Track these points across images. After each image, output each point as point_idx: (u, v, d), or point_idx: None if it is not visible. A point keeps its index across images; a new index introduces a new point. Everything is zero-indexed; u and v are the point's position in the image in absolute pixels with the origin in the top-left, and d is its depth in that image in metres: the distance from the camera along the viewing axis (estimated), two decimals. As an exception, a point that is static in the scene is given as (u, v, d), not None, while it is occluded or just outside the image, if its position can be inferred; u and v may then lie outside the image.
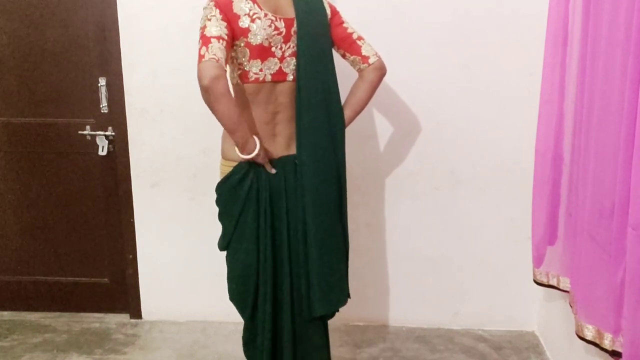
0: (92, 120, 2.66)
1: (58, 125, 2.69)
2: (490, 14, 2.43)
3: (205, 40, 1.63)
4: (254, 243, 1.85)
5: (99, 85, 2.62)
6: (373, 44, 2.48)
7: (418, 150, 2.59)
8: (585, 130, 1.79)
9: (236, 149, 1.74)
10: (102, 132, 2.66)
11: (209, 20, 1.66)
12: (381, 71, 1.93)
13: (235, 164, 1.82)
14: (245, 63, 1.76)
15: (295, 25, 1.80)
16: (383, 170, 2.62)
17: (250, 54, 1.74)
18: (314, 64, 1.83)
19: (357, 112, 2.00)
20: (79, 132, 2.66)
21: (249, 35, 1.71)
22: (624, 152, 1.52)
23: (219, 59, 1.59)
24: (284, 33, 1.78)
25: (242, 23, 1.70)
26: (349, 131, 2.63)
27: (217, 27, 1.65)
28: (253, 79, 1.78)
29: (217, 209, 1.90)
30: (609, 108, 1.61)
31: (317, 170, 1.86)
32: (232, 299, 1.94)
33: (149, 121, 2.62)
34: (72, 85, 2.65)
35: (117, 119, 2.63)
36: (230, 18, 1.68)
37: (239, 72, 1.79)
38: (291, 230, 1.88)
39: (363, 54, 1.92)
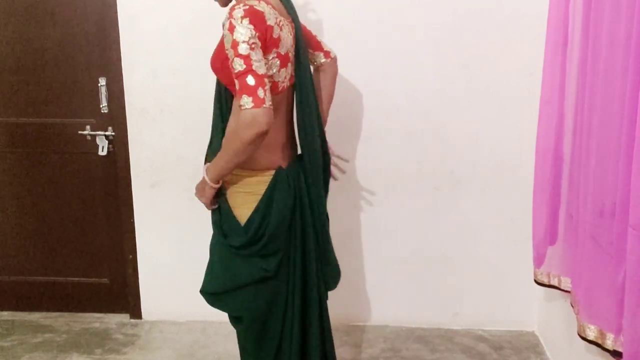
0: (92, 120, 2.66)
1: (58, 125, 2.69)
2: (490, 14, 2.43)
3: (259, 79, 1.51)
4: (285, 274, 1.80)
5: (99, 85, 2.62)
6: (373, 44, 2.50)
7: (418, 150, 2.59)
8: (586, 130, 1.79)
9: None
10: (102, 132, 2.66)
11: (252, 47, 1.52)
12: (337, 62, 2.02)
13: (270, 172, 1.74)
14: (276, 74, 1.67)
15: (294, 27, 1.77)
16: (383, 170, 2.62)
17: (280, 63, 1.66)
18: (307, 64, 1.82)
19: (329, 107, 2.04)
20: (79, 132, 2.66)
21: (279, 45, 1.63)
22: (624, 152, 1.52)
23: (270, 107, 1.52)
24: (292, 35, 1.75)
25: (275, 34, 1.60)
26: (349, 131, 2.64)
27: (262, 62, 1.54)
28: (281, 88, 1.70)
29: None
30: (609, 108, 1.62)
31: (318, 176, 1.84)
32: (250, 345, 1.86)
33: (149, 121, 2.62)
34: (72, 85, 2.64)
35: (117, 119, 2.63)
36: (264, 32, 1.57)
37: (270, 85, 1.62)
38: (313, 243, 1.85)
39: (325, 49, 1.98)
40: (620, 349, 1.61)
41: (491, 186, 2.60)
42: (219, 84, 1.76)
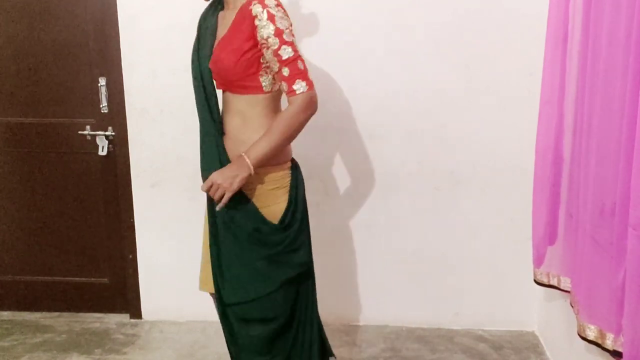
0: (92, 120, 2.66)
1: (58, 125, 2.69)
2: (490, 14, 2.43)
3: (305, 64, 1.65)
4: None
5: (99, 85, 2.62)
6: (373, 44, 2.50)
7: (418, 150, 2.59)
8: (586, 130, 1.79)
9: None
10: (102, 132, 2.66)
11: (292, 34, 1.65)
12: None
13: (288, 164, 1.80)
14: None
15: None
16: (383, 170, 2.62)
17: None
18: None
19: None
20: (79, 132, 2.66)
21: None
22: (624, 151, 1.52)
23: None
24: None
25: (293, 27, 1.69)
26: (349, 131, 2.64)
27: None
28: None
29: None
30: (609, 108, 1.61)
31: None
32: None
33: (149, 121, 2.62)
34: (72, 85, 2.64)
35: (117, 119, 2.63)
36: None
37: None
38: None
39: None
40: (620, 349, 1.61)
41: (491, 186, 2.60)
42: (205, 86, 1.74)
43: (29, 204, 2.79)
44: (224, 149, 1.74)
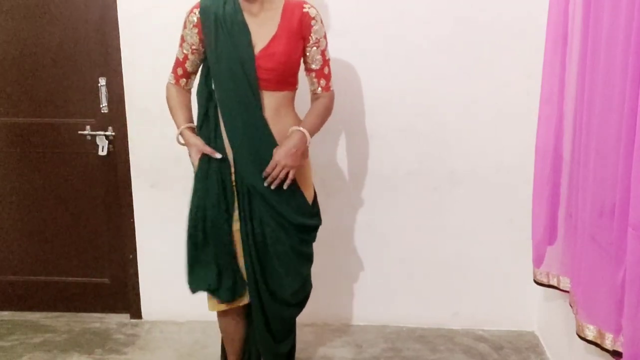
0: (92, 120, 2.66)
1: (58, 125, 2.69)
2: (490, 14, 2.43)
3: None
4: None
5: (99, 85, 2.62)
6: (373, 46, 2.50)
7: (418, 151, 2.59)
8: (586, 129, 1.79)
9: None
10: (102, 132, 2.66)
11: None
12: None
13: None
14: None
15: None
16: (383, 170, 2.62)
17: None
18: None
19: None
20: (79, 132, 2.66)
21: None
22: (624, 151, 1.52)
23: None
24: None
25: None
26: (349, 131, 2.64)
27: None
28: None
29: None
30: (609, 107, 1.61)
31: None
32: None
33: (149, 121, 2.62)
34: (72, 85, 2.64)
35: (117, 119, 2.63)
36: None
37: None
38: None
39: None
40: (619, 349, 1.61)
41: (491, 186, 2.60)
42: (250, 82, 1.82)
43: (29, 204, 2.79)
44: (273, 137, 1.86)
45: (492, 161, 2.57)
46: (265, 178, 1.83)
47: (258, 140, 1.84)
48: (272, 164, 1.81)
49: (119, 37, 2.54)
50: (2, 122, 2.70)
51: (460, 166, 2.59)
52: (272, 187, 1.82)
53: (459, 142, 2.57)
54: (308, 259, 2.01)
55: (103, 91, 2.62)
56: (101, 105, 2.64)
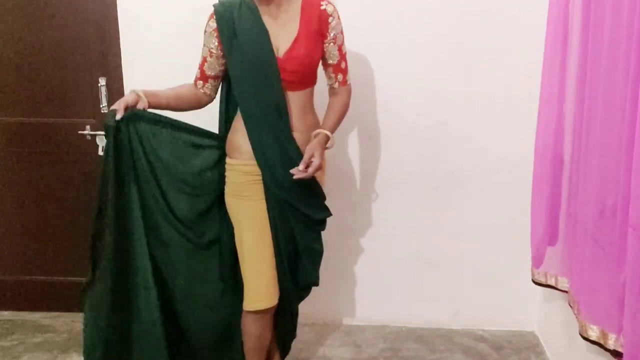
0: (92, 120, 2.66)
1: (58, 125, 2.69)
2: (490, 15, 2.43)
3: None
4: None
5: (99, 85, 2.61)
6: (374, 45, 2.50)
7: (418, 150, 2.59)
8: (586, 129, 1.79)
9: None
10: (102, 132, 2.65)
11: None
12: None
13: None
14: None
15: None
16: (383, 170, 2.62)
17: None
18: None
19: None
20: (79, 132, 2.66)
21: None
22: (625, 151, 1.52)
23: None
24: None
25: None
26: (349, 131, 2.64)
27: None
28: None
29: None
30: (610, 107, 1.61)
31: None
32: None
33: (149, 121, 2.61)
34: (72, 85, 2.64)
35: (117, 119, 2.63)
36: None
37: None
38: None
39: None
40: (621, 349, 1.61)
41: (491, 186, 2.60)
42: (275, 84, 1.82)
43: (29, 204, 2.79)
44: (295, 142, 1.87)
45: (494, 161, 2.57)
46: (287, 185, 1.84)
47: (285, 153, 1.85)
48: (306, 155, 1.79)
49: (119, 37, 2.54)
50: (2, 122, 2.70)
51: (460, 166, 2.59)
52: (305, 175, 1.78)
53: (460, 142, 2.57)
54: (321, 246, 2.08)
55: (103, 91, 2.62)
56: (101, 105, 2.63)
